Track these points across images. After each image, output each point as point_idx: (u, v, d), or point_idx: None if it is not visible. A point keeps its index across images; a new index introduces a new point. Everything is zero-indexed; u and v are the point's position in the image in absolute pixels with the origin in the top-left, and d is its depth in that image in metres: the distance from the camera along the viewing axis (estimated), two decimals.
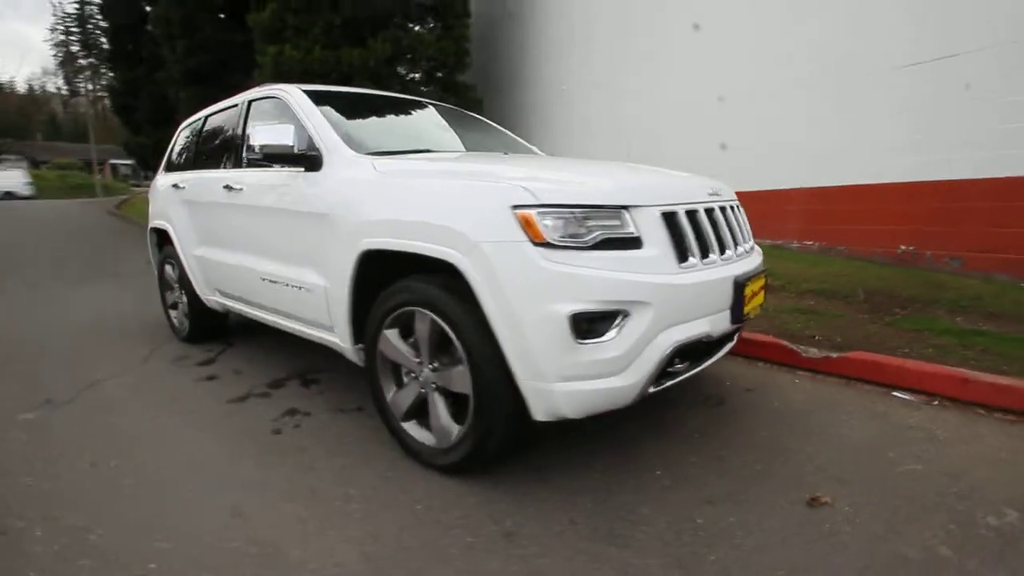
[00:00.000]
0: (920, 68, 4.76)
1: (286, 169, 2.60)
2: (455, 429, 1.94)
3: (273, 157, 2.48)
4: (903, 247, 4.99)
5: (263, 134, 2.43)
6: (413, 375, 2.09)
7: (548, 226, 1.68)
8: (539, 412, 1.75)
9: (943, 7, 4.65)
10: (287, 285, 2.62)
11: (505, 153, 3.02)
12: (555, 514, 1.78)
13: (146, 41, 16.05)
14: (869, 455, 2.14)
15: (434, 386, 2.00)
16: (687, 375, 1.97)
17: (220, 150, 3.39)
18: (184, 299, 3.75)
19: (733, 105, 6.20)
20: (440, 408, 1.98)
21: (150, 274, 4.42)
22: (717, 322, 1.94)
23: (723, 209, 2.16)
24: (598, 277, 1.67)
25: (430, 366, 2.00)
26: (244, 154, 3.05)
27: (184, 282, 3.65)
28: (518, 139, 3.66)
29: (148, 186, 5.19)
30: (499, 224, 1.71)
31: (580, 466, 2.07)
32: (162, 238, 3.96)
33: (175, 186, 3.66)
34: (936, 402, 2.61)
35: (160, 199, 3.91)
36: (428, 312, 1.92)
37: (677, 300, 1.78)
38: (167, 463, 2.18)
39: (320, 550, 1.64)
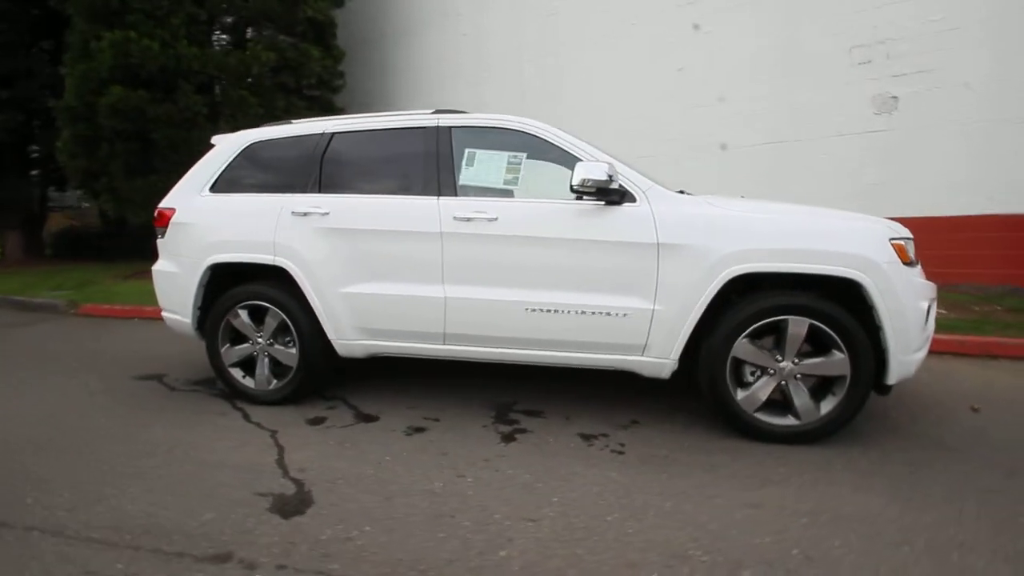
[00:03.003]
0: None
1: (576, 202, 2.71)
2: (820, 408, 2.54)
3: (591, 191, 2.59)
4: None
5: (582, 170, 2.56)
6: (771, 371, 2.58)
7: (908, 251, 2.51)
8: (894, 377, 2.52)
9: None
10: (584, 313, 2.69)
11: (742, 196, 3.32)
12: None
13: None
14: None
15: (797, 376, 2.55)
16: None
17: (390, 175, 3.07)
18: (291, 349, 3.10)
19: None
20: (802, 391, 2.55)
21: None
22: None
23: None
24: (926, 284, 2.57)
25: (793, 361, 2.55)
26: (460, 181, 2.90)
27: (302, 328, 3.04)
28: None
29: None
30: (887, 251, 2.45)
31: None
32: (221, 276, 3.18)
33: (300, 213, 3.02)
34: None
35: (254, 228, 3.12)
36: (806, 318, 2.48)
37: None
38: None
39: None
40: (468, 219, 2.81)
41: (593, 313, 2.69)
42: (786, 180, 6.39)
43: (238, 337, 3.26)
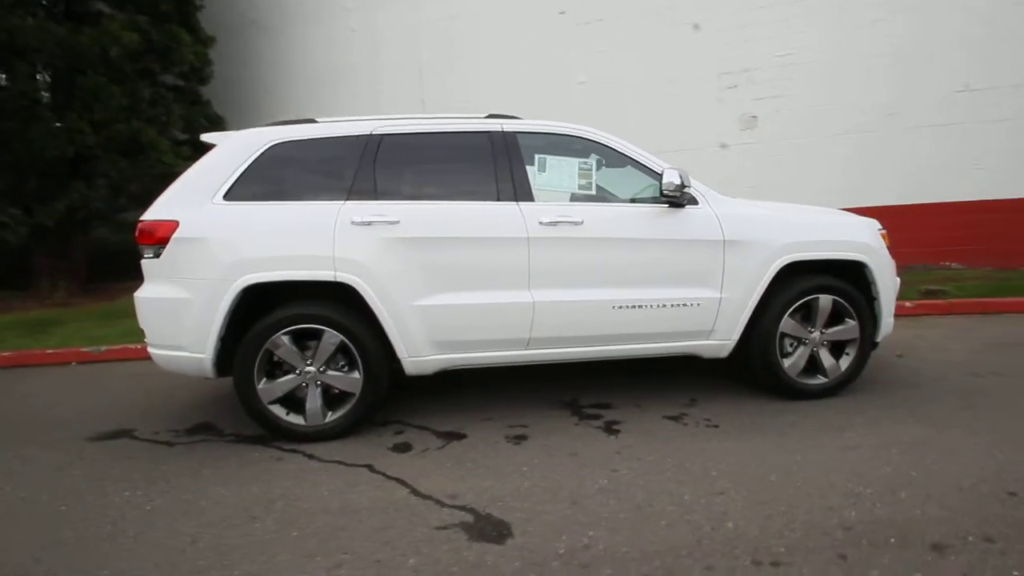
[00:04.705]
0: None
1: (651, 205, 2.98)
2: (840, 366, 3.19)
3: (675, 196, 2.87)
4: None
5: (671, 175, 2.83)
6: (805, 342, 3.14)
7: (886, 239, 3.28)
8: (881, 335, 3.27)
9: None
10: (664, 306, 2.96)
11: None
12: None
13: None
14: None
15: (824, 343, 3.15)
16: None
17: (455, 180, 2.97)
18: (353, 374, 2.80)
19: None
20: (828, 355, 3.17)
21: None
22: None
23: None
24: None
25: (821, 331, 3.15)
26: (536, 186, 2.93)
27: (367, 349, 2.76)
28: None
29: None
30: (878, 239, 3.18)
31: None
32: (251, 299, 2.74)
33: (363, 222, 2.71)
34: None
35: (304, 241, 2.73)
36: (831, 295, 3.09)
37: None
38: None
39: None
40: (554, 223, 2.86)
41: (673, 305, 2.98)
42: None
43: (275, 368, 2.80)
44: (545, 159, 2.99)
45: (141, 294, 2.83)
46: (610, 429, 2.88)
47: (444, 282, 2.81)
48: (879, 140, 7.01)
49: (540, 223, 2.85)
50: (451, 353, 2.90)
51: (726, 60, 7.33)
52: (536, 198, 2.93)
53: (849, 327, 3.16)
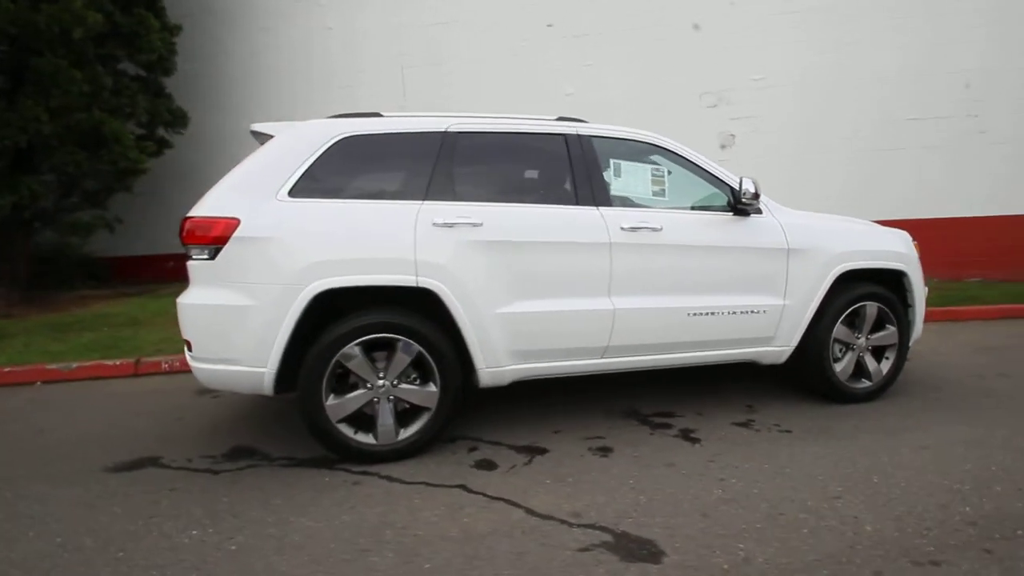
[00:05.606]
0: None
1: (714, 213, 3.01)
2: (882, 369, 3.35)
3: (750, 204, 2.92)
4: None
5: (749, 184, 2.88)
6: (853, 347, 3.27)
7: (917, 247, 3.50)
8: (913, 339, 3.49)
9: None
10: (735, 312, 2.99)
11: None
12: None
13: None
14: None
15: (868, 348, 3.30)
16: None
17: (531, 183, 2.92)
18: (428, 387, 2.61)
19: None
20: (872, 359, 3.32)
21: None
22: None
23: None
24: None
25: (867, 337, 3.29)
26: (613, 191, 2.89)
27: (445, 360, 2.59)
28: None
29: None
30: (913, 249, 3.38)
31: None
32: (321, 307, 2.49)
33: (445, 224, 2.53)
34: None
35: (383, 243, 2.52)
36: (876, 303, 3.24)
37: None
38: None
39: None
40: (635, 229, 2.82)
41: (742, 312, 3.01)
42: None
43: (341, 383, 2.55)
44: (620, 164, 2.96)
45: (189, 300, 2.48)
46: (688, 437, 2.85)
47: (527, 288, 2.69)
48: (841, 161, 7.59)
49: (621, 228, 2.80)
50: (529, 363, 2.77)
51: (707, 80, 7.68)
52: (614, 203, 2.89)
53: (890, 333, 3.33)
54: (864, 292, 3.24)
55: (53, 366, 4.14)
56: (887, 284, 3.35)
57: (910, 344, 3.46)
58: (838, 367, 3.25)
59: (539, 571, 1.78)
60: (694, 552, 1.87)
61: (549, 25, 7.85)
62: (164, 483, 2.45)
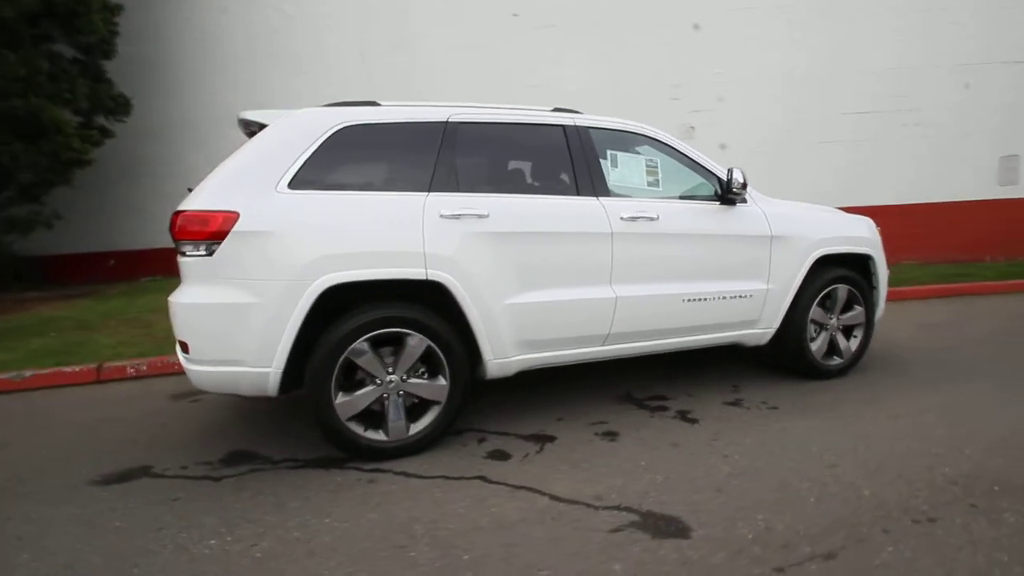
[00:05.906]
0: None
1: (703, 202, 3.12)
2: (851, 347, 3.60)
3: (739, 194, 3.04)
4: None
5: (739, 174, 3.00)
6: (826, 328, 3.49)
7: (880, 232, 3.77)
8: (876, 317, 3.77)
9: None
10: (725, 297, 3.12)
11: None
12: None
13: None
14: None
15: (839, 328, 3.53)
16: None
17: (532, 173, 2.90)
18: (438, 380, 2.60)
19: None
20: (843, 338, 3.56)
21: None
22: None
23: None
24: None
25: (838, 317, 3.52)
26: (610, 182, 2.96)
27: (454, 353, 2.58)
28: None
29: None
30: (877, 234, 3.63)
31: None
32: (326, 303, 2.41)
33: (451, 215, 2.50)
34: None
35: (391, 235, 2.46)
36: (847, 285, 3.48)
37: None
38: None
39: None
40: (634, 219, 2.89)
41: (731, 297, 3.15)
42: None
43: (350, 380, 2.48)
44: (616, 155, 3.01)
45: (184, 299, 2.34)
46: (686, 418, 2.97)
47: (533, 279, 2.70)
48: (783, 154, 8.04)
49: (621, 218, 2.86)
50: (534, 353, 2.79)
51: (668, 73, 7.90)
52: (612, 194, 2.94)
53: (857, 313, 3.58)
54: (836, 275, 3.46)
55: (3, 376, 3.80)
56: (855, 267, 3.60)
57: (875, 322, 3.73)
58: (814, 346, 3.47)
59: (579, 554, 1.83)
60: (719, 525, 1.97)
61: (514, 15, 7.83)
62: (164, 493, 2.32)
